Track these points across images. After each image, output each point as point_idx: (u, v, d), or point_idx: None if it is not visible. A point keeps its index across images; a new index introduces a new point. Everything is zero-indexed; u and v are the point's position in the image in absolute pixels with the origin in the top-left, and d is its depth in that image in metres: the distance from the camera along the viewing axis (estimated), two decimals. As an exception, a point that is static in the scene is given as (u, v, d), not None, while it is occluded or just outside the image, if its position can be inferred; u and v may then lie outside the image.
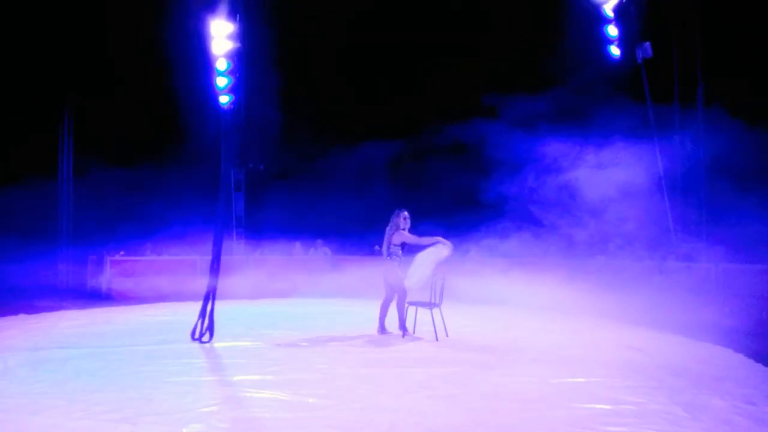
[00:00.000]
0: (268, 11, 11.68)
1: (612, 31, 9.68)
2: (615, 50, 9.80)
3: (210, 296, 6.65)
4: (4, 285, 11.48)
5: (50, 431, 3.59)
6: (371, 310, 9.33)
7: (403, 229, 6.96)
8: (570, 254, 10.23)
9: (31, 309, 9.34)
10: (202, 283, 9.81)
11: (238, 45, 7.87)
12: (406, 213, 6.99)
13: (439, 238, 6.92)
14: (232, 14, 8.22)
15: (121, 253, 12.05)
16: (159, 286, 11.06)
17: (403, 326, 6.96)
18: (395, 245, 6.94)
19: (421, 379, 4.90)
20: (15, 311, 9.07)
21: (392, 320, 7.08)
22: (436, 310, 6.93)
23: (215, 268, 6.80)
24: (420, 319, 7.13)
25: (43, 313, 9.08)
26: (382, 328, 7.11)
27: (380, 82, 13.66)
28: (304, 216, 13.47)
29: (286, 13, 12.25)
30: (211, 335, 6.54)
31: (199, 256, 11.61)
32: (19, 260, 11.50)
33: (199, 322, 6.59)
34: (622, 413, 3.93)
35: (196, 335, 6.55)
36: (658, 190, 9.90)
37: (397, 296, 7.01)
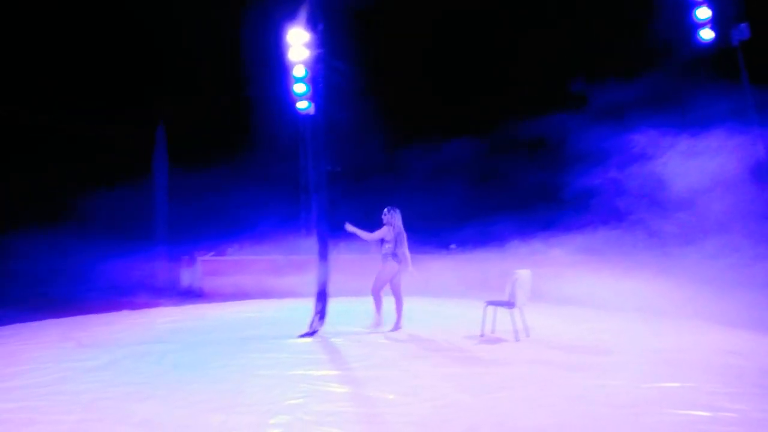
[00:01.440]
0: (347, 13, 11.91)
1: (703, 13, 9.04)
2: (707, 33, 9.15)
3: (322, 293, 7.16)
4: (107, 283, 12.49)
5: (152, 419, 3.88)
6: (447, 308, 9.31)
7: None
8: (659, 249, 9.64)
9: (132, 305, 10.11)
10: (284, 282, 10.22)
11: (318, 51, 8.08)
12: (385, 210, 7.44)
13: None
14: (310, 22, 8.46)
15: (212, 253, 12.79)
16: (244, 283, 11.62)
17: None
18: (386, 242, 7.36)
19: (501, 379, 4.83)
20: (118, 308, 9.88)
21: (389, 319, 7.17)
22: (515, 310, 6.79)
23: (324, 264, 7.18)
24: (499, 319, 7.02)
25: (143, 310, 9.80)
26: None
27: (461, 80, 13.59)
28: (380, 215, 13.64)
29: (366, 14, 12.44)
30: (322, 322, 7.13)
31: (281, 255, 12.13)
32: (119, 259, 12.43)
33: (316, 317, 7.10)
34: (722, 421, 3.68)
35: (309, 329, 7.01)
36: (757, 179, 9.12)
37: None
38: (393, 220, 7.40)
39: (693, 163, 9.19)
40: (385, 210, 7.44)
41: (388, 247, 7.34)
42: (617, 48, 10.60)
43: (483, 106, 12.91)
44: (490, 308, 6.97)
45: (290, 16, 11.98)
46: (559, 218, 10.76)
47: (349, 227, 7.27)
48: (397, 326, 7.37)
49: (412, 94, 13.64)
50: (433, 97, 13.89)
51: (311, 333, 6.98)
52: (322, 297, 7.12)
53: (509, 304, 6.76)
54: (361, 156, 14.34)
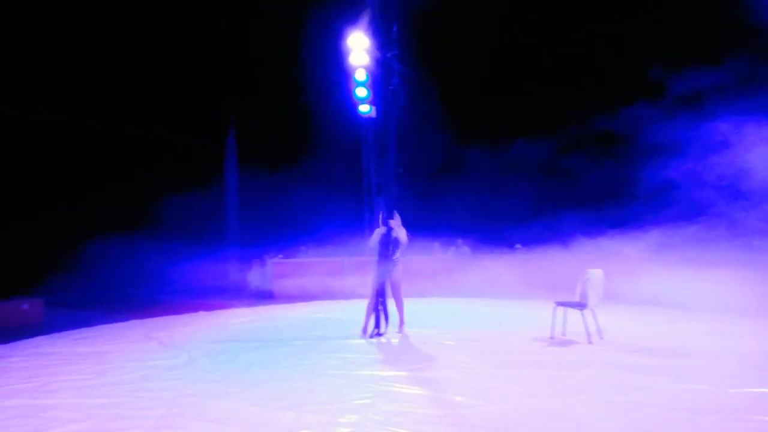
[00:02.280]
0: (411, 13, 11.98)
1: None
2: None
3: (380, 293, 7.14)
4: (183, 285, 13.15)
5: (227, 415, 4.04)
6: (514, 310, 9.12)
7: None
8: (743, 244, 8.95)
9: (207, 307, 10.59)
10: (348, 283, 10.36)
11: (382, 54, 8.17)
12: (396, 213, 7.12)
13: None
14: (372, 26, 8.55)
15: (280, 256, 13.19)
16: (311, 285, 11.88)
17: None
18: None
19: (573, 383, 4.68)
20: (195, 309, 10.38)
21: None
22: (587, 311, 6.55)
23: (382, 266, 7.14)
24: (570, 320, 6.80)
25: (217, 311, 10.24)
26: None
27: (527, 75, 13.32)
28: (443, 215, 13.60)
29: (430, 14, 12.42)
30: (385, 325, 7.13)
31: (346, 257, 12.32)
32: (194, 262, 13.04)
33: (374, 317, 7.11)
34: (821, 431, 3.39)
35: (369, 332, 7.03)
36: None
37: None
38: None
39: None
40: (396, 213, 7.14)
41: (400, 250, 7.15)
42: (698, 30, 9.99)
43: (551, 102, 12.55)
44: (560, 309, 6.77)
45: (351, 20, 12.14)
46: (632, 214, 10.27)
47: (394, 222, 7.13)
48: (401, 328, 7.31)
49: (477, 91, 13.49)
50: (499, 95, 13.66)
51: (378, 334, 7.03)
52: (381, 298, 7.13)
53: (581, 305, 6.54)
54: (425, 156, 14.35)
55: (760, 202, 8.77)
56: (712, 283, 8.10)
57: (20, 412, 4.22)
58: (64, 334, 7.95)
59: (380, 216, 7.29)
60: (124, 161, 13.26)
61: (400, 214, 7.16)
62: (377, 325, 7.08)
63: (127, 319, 9.27)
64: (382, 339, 6.91)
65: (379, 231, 7.14)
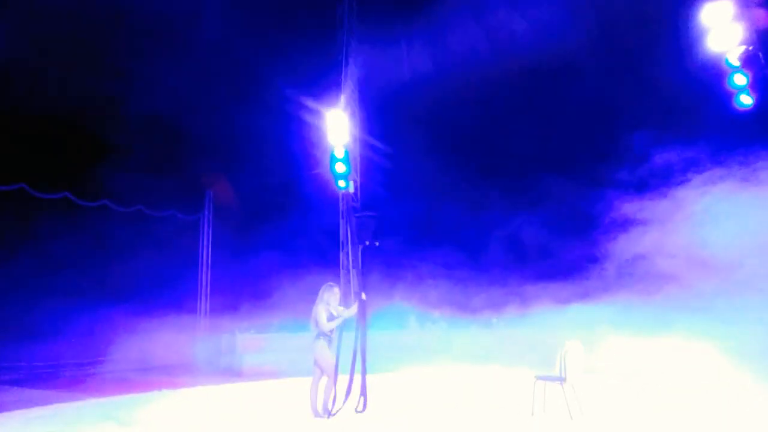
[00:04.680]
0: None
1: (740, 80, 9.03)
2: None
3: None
4: (148, 360, 12.53)
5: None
6: (491, 381, 8.90)
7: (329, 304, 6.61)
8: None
9: (170, 384, 10.05)
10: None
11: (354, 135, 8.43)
12: (335, 288, 6.71)
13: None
14: (349, 105, 8.88)
15: (252, 330, 12.76)
16: (283, 360, 11.43)
17: (325, 408, 6.48)
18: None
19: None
20: (158, 386, 9.83)
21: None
22: (567, 385, 6.43)
23: (363, 335, 6.86)
24: (550, 394, 6.66)
25: (183, 389, 9.71)
26: (316, 411, 6.54)
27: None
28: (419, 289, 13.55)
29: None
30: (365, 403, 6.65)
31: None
32: (161, 333, 12.45)
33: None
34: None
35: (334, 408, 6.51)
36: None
37: (328, 378, 6.49)
38: None
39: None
40: (335, 288, 6.75)
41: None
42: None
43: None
44: (540, 383, 6.63)
45: (329, 99, 12.61)
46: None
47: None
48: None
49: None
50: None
51: (329, 414, 6.52)
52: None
53: (560, 379, 6.42)
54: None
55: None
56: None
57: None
58: (16, 413, 7.39)
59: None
60: (95, 229, 12.93)
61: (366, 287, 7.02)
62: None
63: (84, 398, 8.71)
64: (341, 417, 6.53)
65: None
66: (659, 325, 8.96)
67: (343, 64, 13.54)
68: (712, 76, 9.21)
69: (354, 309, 6.81)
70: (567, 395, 6.34)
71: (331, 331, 6.52)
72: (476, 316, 12.71)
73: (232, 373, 12.00)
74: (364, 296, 6.92)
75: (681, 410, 6.64)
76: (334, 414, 6.46)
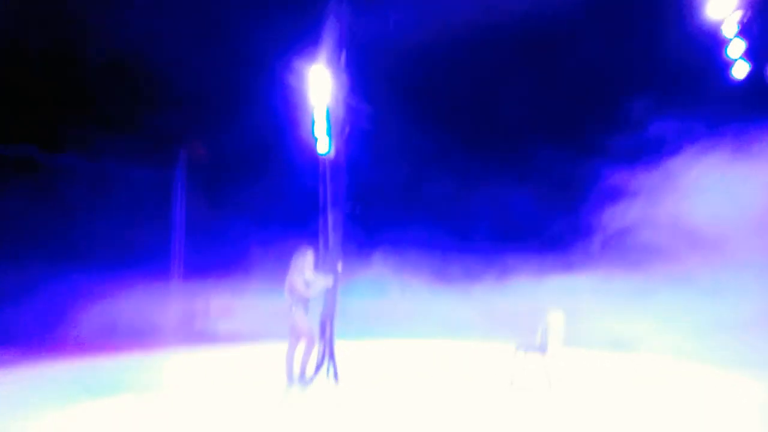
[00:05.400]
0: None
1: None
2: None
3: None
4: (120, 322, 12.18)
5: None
6: (471, 352, 8.81)
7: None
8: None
9: (144, 346, 9.78)
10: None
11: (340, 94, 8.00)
12: (309, 251, 6.61)
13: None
14: (333, 60, 8.41)
15: (226, 294, 12.47)
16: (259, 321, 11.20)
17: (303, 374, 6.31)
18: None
19: None
20: (129, 348, 9.56)
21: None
22: (547, 356, 6.28)
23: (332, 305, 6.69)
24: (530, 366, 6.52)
25: (154, 350, 9.46)
26: (291, 379, 6.32)
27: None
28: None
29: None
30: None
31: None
32: (135, 296, 12.07)
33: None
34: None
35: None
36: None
37: (306, 344, 6.32)
38: None
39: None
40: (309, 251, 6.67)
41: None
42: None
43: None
44: (520, 353, 6.48)
45: (311, 54, 12.02)
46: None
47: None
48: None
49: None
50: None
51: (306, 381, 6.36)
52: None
53: (541, 349, 6.28)
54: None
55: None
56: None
57: None
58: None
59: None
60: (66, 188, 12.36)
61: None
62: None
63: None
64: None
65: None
66: (642, 296, 8.90)
67: (327, 20, 12.93)
68: (711, 45, 8.92)
69: (330, 280, 6.61)
70: (547, 366, 6.22)
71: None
72: (455, 285, 12.56)
73: (205, 337, 11.78)
74: (340, 267, 6.76)
75: (658, 382, 6.59)
76: (310, 382, 6.27)
